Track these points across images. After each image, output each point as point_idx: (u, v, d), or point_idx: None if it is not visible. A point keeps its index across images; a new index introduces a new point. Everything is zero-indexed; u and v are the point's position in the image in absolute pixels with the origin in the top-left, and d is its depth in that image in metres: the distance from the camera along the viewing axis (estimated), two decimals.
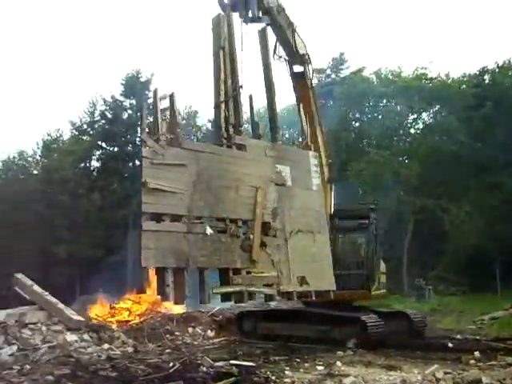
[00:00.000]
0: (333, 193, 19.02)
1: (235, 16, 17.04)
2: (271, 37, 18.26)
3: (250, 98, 18.40)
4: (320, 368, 12.35)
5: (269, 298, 16.00)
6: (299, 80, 19.06)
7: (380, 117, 47.31)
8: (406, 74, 47.24)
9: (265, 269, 16.05)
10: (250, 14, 16.88)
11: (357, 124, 49.79)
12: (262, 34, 20.18)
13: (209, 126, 57.07)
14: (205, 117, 57.04)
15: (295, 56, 18.55)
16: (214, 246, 15.14)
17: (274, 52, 18.30)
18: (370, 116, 48.32)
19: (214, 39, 18.39)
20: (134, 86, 50.77)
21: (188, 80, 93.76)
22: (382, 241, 19.43)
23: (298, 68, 18.94)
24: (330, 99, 49.67)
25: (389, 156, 42.41)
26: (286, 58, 18.78)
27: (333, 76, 53.19)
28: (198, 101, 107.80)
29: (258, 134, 17.28)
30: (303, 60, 18.68)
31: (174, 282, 14.21)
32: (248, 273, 15.71)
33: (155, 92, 17.33)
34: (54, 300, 17.45)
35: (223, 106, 17.47)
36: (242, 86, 17.78)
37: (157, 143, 15.24)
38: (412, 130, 48.22)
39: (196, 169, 15.36)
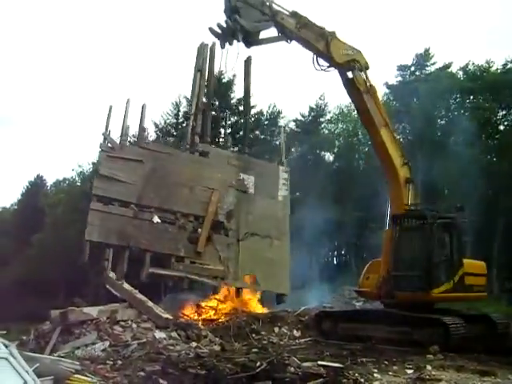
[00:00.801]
0: (410, 193, 18.51)
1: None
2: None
3: (224, 116, 20.29)
4: (409, 372, 12.07)
5: (213, 289, 17.52)
6: (351, 86, 19.16)
7: (467, 113, 45.81)
8: (494, 69, 45.66)
9: (211, 262, 18.13)
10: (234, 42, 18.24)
11: (442, 121, 48.37)
12: (247, 63, 21.49)
13: (292, 125, 56.77)
14: (288, 117, 56.91)
15: (336, 65, 18.71)
16: (159, 234, 17.39)
17: (317, 63, 18.73)
18: (456, 113, 46.79)
19: (196, 63, 21.37)
20: (217, 87, 51.19)
21: (271, 79, 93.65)
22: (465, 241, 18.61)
23: (350, 74, 18.95)
24: (415, 97, 48.55)
25: (476, 154, 41.05)
26: (327, 67, 18.89)
27: (417, 73, 51.92)
28: (282, 100, 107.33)
29: (227, 145, 18.31)
30: (350, 66, 18.72)
31: (115, 259, 17.15)
32: (192, 262, 17.69)
33: (127, 101, 19.63)
34: (144, 298, 17.91)
35: (192, 117, 20.47)
36: (213, 104, 19.44)
37: (120, 141, 18.46)
38: (501, 127, 46.40)
39: (152, 166, 17.66)
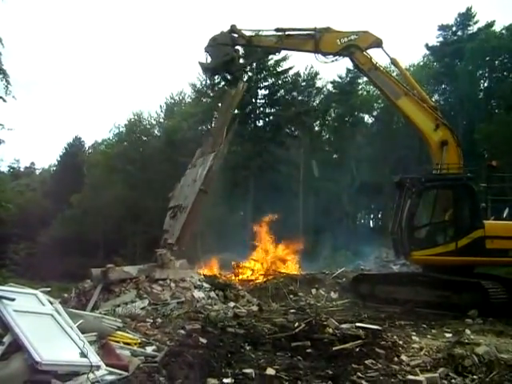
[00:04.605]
0: (448, 154, 18.30)
1: None
2: None
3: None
4: (448, 335, 11.98)
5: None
6: (357, 67, 20.83)
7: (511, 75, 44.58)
8: None
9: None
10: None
11: (485, 83, 47.26)
12: None
13: (330, 87, 56.17)
14: (326, 78, 56.27)
15: (335, 55, 20.10)
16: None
17: (317, 58, 20.37)
18: (500, 74, 45.59)
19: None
20: (253, 49, 50.77)
21: None
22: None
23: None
24: (457, 57, 47.46)
25: None
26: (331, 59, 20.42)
27: (459, 33, 50.57)
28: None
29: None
30: (348, 52, 19.75)
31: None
32: None
33: None
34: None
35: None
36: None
37: None
38: None
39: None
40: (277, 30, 20.44)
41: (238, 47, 21.46)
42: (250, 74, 51.41)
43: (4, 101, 22.91)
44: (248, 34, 20.99)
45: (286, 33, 20.27)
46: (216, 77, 24.28)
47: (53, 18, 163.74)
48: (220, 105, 24.79)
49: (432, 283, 16.38)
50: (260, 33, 21.24)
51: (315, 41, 19.72)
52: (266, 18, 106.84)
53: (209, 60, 20.80)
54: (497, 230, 16.66)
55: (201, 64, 21.18)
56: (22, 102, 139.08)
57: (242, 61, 23.86)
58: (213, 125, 23.39)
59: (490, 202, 18.15)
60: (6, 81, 22.78)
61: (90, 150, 76.68)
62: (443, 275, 16.36)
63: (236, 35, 20.77)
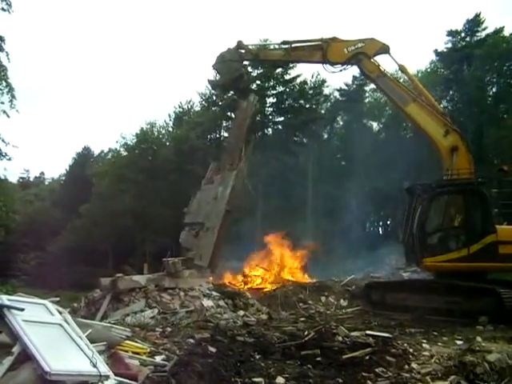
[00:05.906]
0: (458, 159, 18.19)
1: None
2: None
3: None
4: (459, 342, 11.89)
5: None
6: (365, 75, 21.49)
7: None
8: None
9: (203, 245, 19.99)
10: None
11: (494, 89, 47.11)
12: None
13: (337, 94, 56.14)
14: (333, 85, 56.23)
15: (343, 64, 20.23)
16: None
17: (325, 68, 20.57)
18: (509, 80, 45.46)
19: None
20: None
21: None
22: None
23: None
24: (465, 63, 47.40)
25: None
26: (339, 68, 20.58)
27: (467, 39, 50.41)
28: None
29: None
30: (355, 60, 19.87)
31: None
32: None
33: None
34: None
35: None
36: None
37: None
38: None
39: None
40: (283, 42, 20.71)
41: (245, 62, 21.71)
42: (258, 82, 51.48)
43: (7, 116, 22.94)
44: (255, 48, 21.29)
45: (293, 45, 20.47)
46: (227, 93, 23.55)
47: (60, 27, 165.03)
48: (234, 118, 24.73)
49: (445, 290, 16.21)
50: (266, 47, 21.35)
51: (322, 51, 19.88)
52: (272, 29, 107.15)
53: (217, 77, 21.00)
54: (510, 234, 16.47)
55: (210, 81, 21.75)
56: (31, 112, 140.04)
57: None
58: (226, 138, 22.93)
59: (502, 207, 18.04)
60: (12, 95, 22.80)
61: (97, 160, 76.61)
62: (456, 281, 16.22)
63: (243, 51, 20.97)
